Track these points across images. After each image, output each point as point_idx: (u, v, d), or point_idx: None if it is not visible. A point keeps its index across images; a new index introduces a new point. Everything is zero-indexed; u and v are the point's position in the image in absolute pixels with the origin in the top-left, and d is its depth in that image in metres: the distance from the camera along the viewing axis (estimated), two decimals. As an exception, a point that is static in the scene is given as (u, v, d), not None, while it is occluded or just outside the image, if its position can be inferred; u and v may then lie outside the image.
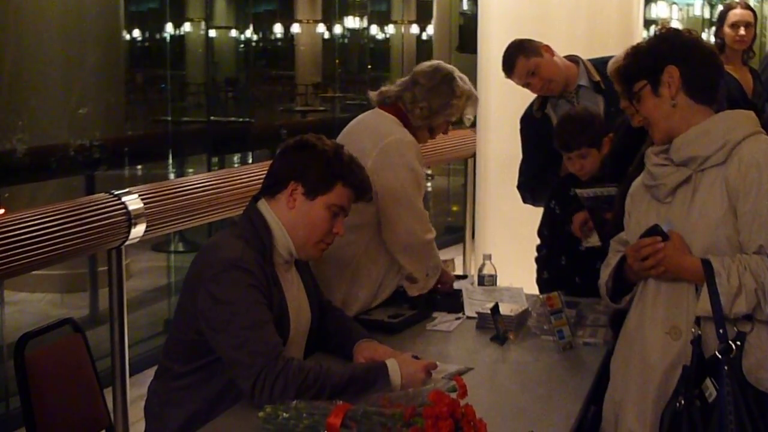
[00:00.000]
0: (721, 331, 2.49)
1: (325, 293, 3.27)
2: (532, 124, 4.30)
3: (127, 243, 4.22)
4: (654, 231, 2.60)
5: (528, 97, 4.37)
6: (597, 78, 4.15)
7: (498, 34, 5.70)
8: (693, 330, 2.54)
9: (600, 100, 4.14)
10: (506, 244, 5.28)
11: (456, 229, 8.73)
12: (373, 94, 3.78)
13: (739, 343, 2.49)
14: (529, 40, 4.20)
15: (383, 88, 3.75)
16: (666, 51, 2.66)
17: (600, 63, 4.11)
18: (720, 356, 2.48)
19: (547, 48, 4.18)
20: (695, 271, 2.54)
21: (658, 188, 2.67)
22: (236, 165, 10.13)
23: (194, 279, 2.78)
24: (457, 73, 3.74)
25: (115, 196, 4.17)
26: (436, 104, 3.64)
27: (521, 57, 4.13)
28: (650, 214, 2.70)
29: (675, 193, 2.64)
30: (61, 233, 3.86)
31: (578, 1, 5.45)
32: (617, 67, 2.79)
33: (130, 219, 4.14)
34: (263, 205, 2.89)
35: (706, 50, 2.70)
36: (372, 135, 3.60)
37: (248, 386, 2.59)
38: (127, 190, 4.26)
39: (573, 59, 4.25)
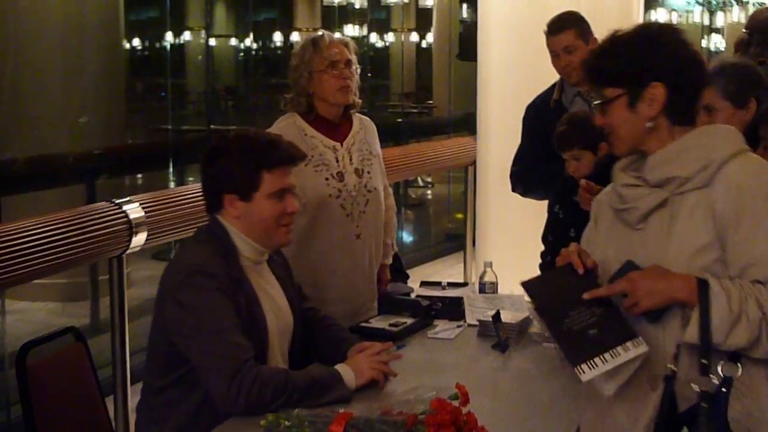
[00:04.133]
0: (704, 361, 2.13)
1: (338, 307, 3.31)
2: (539, 114, 4.22)
3: (128, 252, 4.22)
4: (628, 269, 2.27)
5: (529, 98, 4.34)
6: None
7: (498, 41, 5.72)
8: (669, 365, 2.18)
9: None
10: (507, 252, 5.28)
11: (457, 237, 8.72)
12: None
13: (724, 389, 2.13)
14: (587, 22, 4.18)
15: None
16: (656, 64, 2.29)
17: None
18: (699, 390, 2.12)
19: (595, 41, 4.15)
20: (689, 290, 2.18)
21: (629, 213, 2.34)
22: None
23: (162, 289, 2.79)
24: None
25: (116, 204, 4.17)
26: (294, 78, 3.71)
27: (573, 30, 4.07)
28: (621, 243, 2.36)
29: (648, 218, 2.31)
30: (63, 242, 3.86)
31: (578, 8, 5.45)
32: (589, 63, 2.40)
33: (131, 227, 4.15)
34: (218, 217, 2.90)
35: (700, 65, 2.35)
36: None
37: (222, 391, 2.59)
38: (128, 198, 4.27)
39: None
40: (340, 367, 2.76)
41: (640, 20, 5.90)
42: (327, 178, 3.63)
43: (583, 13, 5.41)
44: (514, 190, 4.34)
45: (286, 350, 2.98)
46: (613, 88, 2.32)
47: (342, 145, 3.73)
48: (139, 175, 9.57)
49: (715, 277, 2.18)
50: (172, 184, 8.70)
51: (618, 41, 2.33)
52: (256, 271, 2.90)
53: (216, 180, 2.88)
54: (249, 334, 2.75)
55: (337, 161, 3.68)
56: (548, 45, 4.14)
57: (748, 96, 3.18)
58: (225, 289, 2.72)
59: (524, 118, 4.32)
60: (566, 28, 4.09)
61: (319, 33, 3.76)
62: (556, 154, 3.88)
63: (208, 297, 2.69)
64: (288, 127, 3.64)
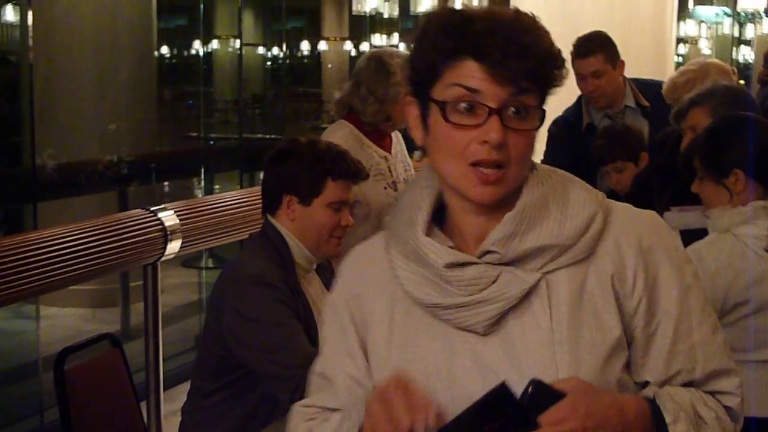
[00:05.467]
0: None
1: None
2: (565, 130, 4.22)
3: (163, 259, 4.23)
4: (541, 394, 1.38)
5: (561, 110, 4.34)
6: (646, 103, 4.10)
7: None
8: None
9: (645, 124, 4.09)
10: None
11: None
12: (332, 107, 3.84)
13: None
14: (615, 45, 4.11)
15: (336, 98, 3.79)
16: None
17: (647, 86, 4.05)
18: None
19: (622, 64, 4.11)
20: (644, 421, 1.46)
21: (473, 311, 1.46)
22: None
23: (219, 297, 2.80)
24: (386, 51, 3.78)
25: (152, 212, 4.18)
26: (380, 92, 3.68)
27: (602, 54, 4.03)
28: (453, 359, 1.49)
29: (503, 318, 1.47)
30: (98, 248, 3.87)
31: (611, 18, 5.47)
32: None
33: (166, 235, 4.16)
34: (272, 220, 2.91)
35: None
36: None
37: (288, 398, 2.60)
38: (162, 206, 4.28)
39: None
40: None
41: (674, 32, 5.88)
42: (385, 187, 3.67)
43: (617, 25, 5.43)
44: None
45: None
46: None
47: (390, 155, 3.76)
48: (166, 183, 9.59)
49: (662, 394, 1.49)
50: (199, 192, 8.72)
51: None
52: (306, 279, 2.91)
53: (279, 179, 2.89)
54: None
55: (390, 171, 3.71)
56: (574, 67, 4.09)
57: None
58: (285, 300, 2.73)
59: (549, 134, 4.30)
60: (595, 52, 4.04)
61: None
62: (581, 175, 3.86)
63: (270, 307, 2.69)
64: (349, 135, 3.66)
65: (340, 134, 3.67)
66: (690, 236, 2.59)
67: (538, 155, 4.36)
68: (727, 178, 2.60)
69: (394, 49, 3.79)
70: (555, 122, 4.31)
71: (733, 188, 2.59)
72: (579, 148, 3.96)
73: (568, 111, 4.30)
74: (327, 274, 3.06)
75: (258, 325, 2.68)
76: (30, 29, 6.36)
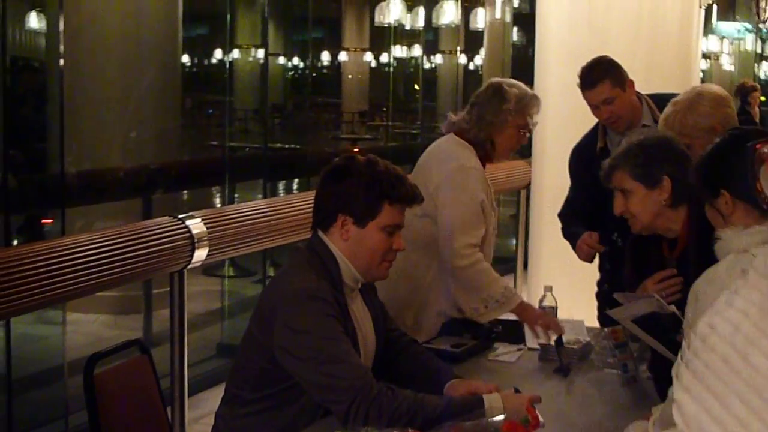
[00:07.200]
0: None
1: (395, 318, 3.28)
2: (584, 161, 4.18)
3: (189, 266, 4.25)
4: None
5: (585, 127, 4.34)
6: None
7: (555, 65, 5.72)
8: None
9: None
10: (562, 276, 5.25)
11: (506, 260, 8.70)
12: (447, 123, 3.87)
13: None
14: (620, 67, 4.08)
15: (452, 119, 3.84)
16: None
17: (663, 100, 4.03)
18: None
19: (632, 83, 4.06)
20: None
21: None
22: (282, 192, 10.19)
23: (267, 310, 2.78)
24: (507, 80, 3.82)
25: (179, 219, 4.21)
26: (489, 115, 3.72)
27: (607, 81, 4.00)
28: None
29: None
30: (126, 255, 3.90)
31: (637, 33, 5.47)
32: None
33: (193, 243, 4.18)
34: (323, 236, 2.90)
35: None
36: (438, 159, 3.77)
37: (342, 410, 2.59)
38: (190, 214, 4.30)
39: (636, 96, 4.15)
40: (490, 397, 2.67)
41: (699, 48, 5.88)
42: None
43: (643, 40, 5.43)
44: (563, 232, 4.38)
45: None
46: None
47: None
48: (186, 192, 9.61)
49: None
50: (218, 200, 8.74)
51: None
52: (351, 297, 2.90)
53: (336, 197, 2.86)
54: None
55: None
56: (585, 98, 4.08)
57: (659, 174, 3.01)
58: (337, 316, 2.71)
59: (570, 162, 4.34)
60: (601, 79, 4.00)
61: (530, 93, 3.81)
62: (603, 202, 3.77)
63: (323, 322, 2.67)
64: (475, 158, 3.73)
65: (468, 156, 3.73)
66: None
67: (550, 178, 4.39)
68: (717, 199, 2.39)
69: (516, 81, 3.84)
70: (572, 151, 4.32)
71: (723, 210, 2.37)
72: (595, 174, 3.92)
73: (585, 137, 4.29)
74: (369, 293, 3.05)
75: (310, 338, 2.66)
76: (61, 36, 6.39)
